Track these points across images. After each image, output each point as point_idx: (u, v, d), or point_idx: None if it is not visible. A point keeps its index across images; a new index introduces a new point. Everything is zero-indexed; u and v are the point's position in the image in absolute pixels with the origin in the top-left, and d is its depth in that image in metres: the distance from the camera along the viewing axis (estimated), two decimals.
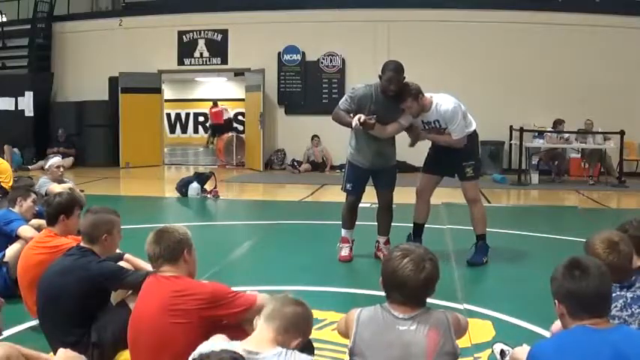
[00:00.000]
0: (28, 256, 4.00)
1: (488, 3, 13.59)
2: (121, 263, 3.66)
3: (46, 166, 7.25)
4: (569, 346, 2.25)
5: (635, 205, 10.08)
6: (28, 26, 15.12)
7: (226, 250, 6.35)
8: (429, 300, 2.54)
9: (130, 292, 3.42)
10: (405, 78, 5.45)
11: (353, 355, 2.50)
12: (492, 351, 3.62)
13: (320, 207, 9.72)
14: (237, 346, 2.28)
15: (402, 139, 5.89)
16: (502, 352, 3.50)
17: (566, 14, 13.30)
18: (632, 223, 3.22)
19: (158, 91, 15.21)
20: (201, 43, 14.92)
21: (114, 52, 14.78)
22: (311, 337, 2.80)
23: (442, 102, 5.54)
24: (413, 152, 6.88)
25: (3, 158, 9.65)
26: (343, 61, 14.25)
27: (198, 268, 3.17)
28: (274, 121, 14.59)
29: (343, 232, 5.95)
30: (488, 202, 9.44)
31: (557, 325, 2.78)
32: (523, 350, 2.77)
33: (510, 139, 13.16)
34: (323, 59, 14.32)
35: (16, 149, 14.21)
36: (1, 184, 7.88)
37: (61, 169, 7.15)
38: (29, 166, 13.48)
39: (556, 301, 2.39)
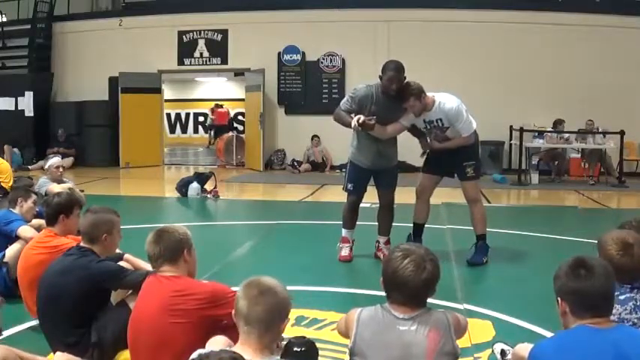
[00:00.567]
0: (28, 256, 4.00)
1: (488, 3, 13.59)
2: (121, 263, 3.66)
3: (46, 167, 7.25)
4: (571, 346, 2.24)
5: (635, 205, 10.08)
6: (28, 26, 15.11)
7: (226, 250, 6.35)
8: (428, 300, 2.54)
9: (130, 291, 3.42)
10: (405, 77, 5.45)
11: (353, 355, 2.50)
12: (492, 351, 3.62)
13: (320, 207, 9.72)
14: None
15: (403, 139, 5.90)
16: (502, 352, 3.50)
17: (566, 14, 13.30)
18: (631, 222, 3.22)
19: (158, 91, 15.21)
20: (201, 43, 14.92)
21: (114, 52, 14.77)
22: (311, 337, 2.79)
23: (446, 100, 5.54)
24: (413, 152, 6.88)
25: (3, 158, 9.65)
26: (343, 61, 14.25)
27: (198, 268, 3.17)
28: (274, 121, 14.59)
29: (344, 232, 5.95)
30: (488, 202, 9.43)
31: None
32: (525, 346, 2.76)
33: (510, 139, 13.16)
34: (323, 59, 14.32)
35: (16, 149, 14.21)
36: (1, 184, 7.88)
37: (61, 170, 7.15)
38: (29, 166, 13.48)
39: (559, 299, 2.38)
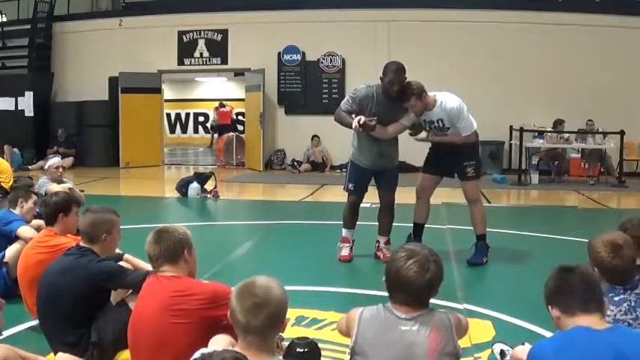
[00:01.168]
0: (27, 256, 4.01)
1: (488, 3, 13.59)
2: (121, 263, 3.66)
3: (46, 167, 7.24)
4: (569, 346, 2.25)
5: (635, 205, 10.08)
6: (28, 26, 15.11)
7: (226, 250, 6.35)
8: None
9: (130, 291, 3.42)
10: (406, 78, 5.45)
11: (354, 354, 2.50)
12: (492, 351, 3.62)
13: (320, 207, 9.72)
14: None
15: (405, 139, 5.89)
16: (502, 352, 3.50)
17: (566, 14, 13.30)
18: (632, 221, 3.22)
19: (158, 91, 15.20)
20: (201, 43, 14.92)
21: (114, 52, 14.77)
22: (311, 337, 2.78)
23: (447, 100, 5.54)
24: (413, 152, 6.88)
25: (3, 158, 9.65)
26: (343, 61, 14.25)
27: (199, 268, 3.17)
28: (274, 121, 14.59)
29: (344, 231, 5.95)
30: (488, 202, 9.43)
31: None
32: (523, 349, 2.77)
33: (510, 139, 13.16)
34: (323, 59, 14.32)
35: (16, 149, 14.21)
36: (1, 184, 7.88)
37: (61, 170, 7.14)
38: (29, 166, 13.48)
39: (549, 307, 2.41)
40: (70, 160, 13.70)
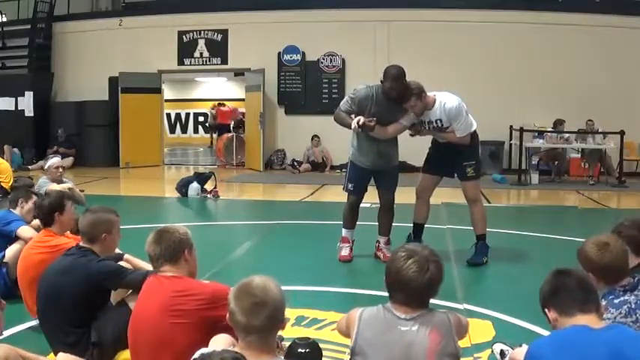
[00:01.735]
0: (27, 257, 4.01)
1: (488, 3, 13.58)
2: (121, 263, 3.66)
3: (46, 167, 7.24)
4: (567, 345, 2.26)
5: (635, 205, 10.08)
6: (28, 26, 15.10)
7: (226, 250, 6.35)
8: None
9: (130, 291, 3.42)
10: (406, 82, 5.45)
11: (354, 354, 2.49)
12: (492, 351, 3.62)
13: (320, 207, 9.71)
14: None
15: (405, 139, 5.89)
16: (502, 353, 3.50)
17: (566, 14, 13.30)
18: (623, 223, 3.25)
19: (158, 91, 15.20)
20: (201, 43, 14.92)
21: (114, 52, 14.77)
22: (311, 337, 2.78)
23: (447, 100, 5.54)
24: (413, 152, 6.88)
25: (3, 158, 9.65)
26: (343, 61, 14.25)
27: (199, 268, 3.17)
28: (274, 121, 14.59)
29: (344, 231, 5.95)
30: (488, 202, 9.43)
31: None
32: (521, 351, 2.77)
33: (510, 139, 13.16)
34: (323, 59, 14.32)
35: (16, 149, 14.21)
36: (1, 184, 7.89)
37: (61, 170, 7.14)
38: (29, 166, 13.47)
39: (545, 310, 2.42)
40: (70, 160, 13.71)
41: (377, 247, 5.97)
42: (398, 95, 5.41)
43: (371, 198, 6.13)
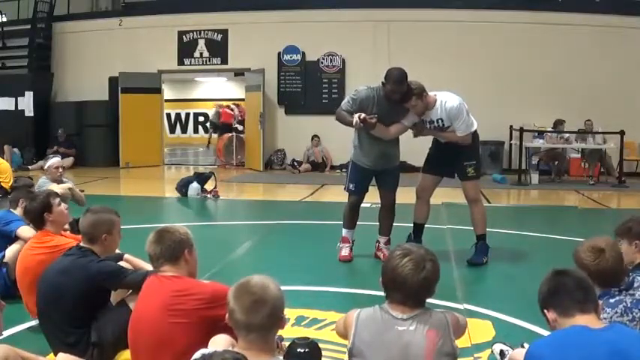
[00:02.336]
0: (27, 257, 4.01)
1: (488, 3, 13.59)
2: (121, 263, 3.66)
3: (46, 167, 7.22)
4: (567, 345, 2.27)
5: (635, 205, 10.07)
6: (28, 26, 15.11)
7: (226, 250, 6.35)
8: (429, 300, 2.54)
9: (130, 291, 3.42)
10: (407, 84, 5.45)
11: (352, 356, 2.49)
12: (492, 351, 3.62)
13: (320, 207, 9.71)
14: None
15: (405, 139, 5.89)
16: (502, 353, 3.50)
17: (566, 14, 13.30)
18: (632, 219, 3.26)
19: (158, 91, 15.20)
20: (201, 43, 14.92)
21: (114, 52, 14.77)
22: (311, 337, 2.78)
23: (447, 99, 5.54)
24: (413, 152, 6.88)
25: (3, 158, 9.65)
26: (343, 61, 14.25)
27: (199, 268, 3.17)
28: (274, 121, 14.59)
29: (344, 231, 5.95)
30: (488, 202, 9.43)
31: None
32: (521, 352, 2.78)
33: (510, 139, 13.16)
34: (323, 59, 14.32)
35: (16, 149, 14.21)
36: (1, 184, 7.89)
37: (61, 170, 7.12)
38: (29, 166, 13.47)
39: (545, 311, 2.42)
40: (70, 160, 13.71)
41: (377, 247, 5.97)
42: (399, 98, 5.42)
43: (371, 198, 6.13)
